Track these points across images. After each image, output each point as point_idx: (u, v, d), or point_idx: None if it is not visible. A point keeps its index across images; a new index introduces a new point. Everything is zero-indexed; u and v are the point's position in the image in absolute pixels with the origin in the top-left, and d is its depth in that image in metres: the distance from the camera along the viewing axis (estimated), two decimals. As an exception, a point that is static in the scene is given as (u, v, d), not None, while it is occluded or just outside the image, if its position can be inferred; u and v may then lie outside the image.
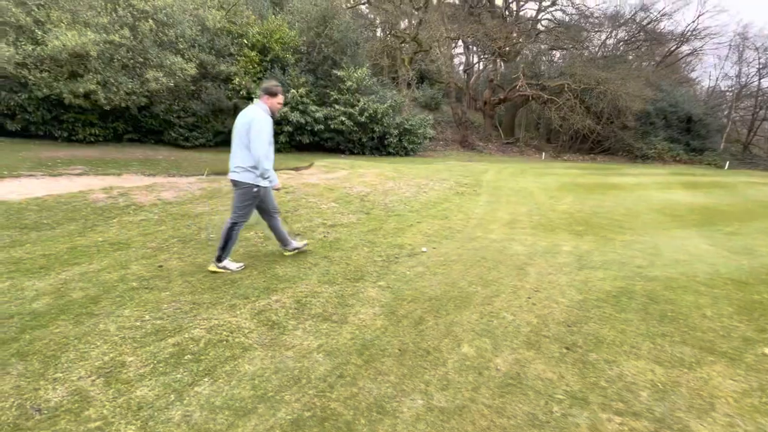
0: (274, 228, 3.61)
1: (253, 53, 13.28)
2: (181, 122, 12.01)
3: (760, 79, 24.97)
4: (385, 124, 16.24)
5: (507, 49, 25.41)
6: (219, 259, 3.28)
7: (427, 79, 27.14)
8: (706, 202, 8.21)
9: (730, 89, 28.05)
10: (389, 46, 23.01)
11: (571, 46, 25.37)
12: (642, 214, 6.76)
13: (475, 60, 29.19)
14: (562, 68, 23.37)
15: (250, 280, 3.21)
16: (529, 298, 3.10)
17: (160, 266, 3.41)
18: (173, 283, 3.09)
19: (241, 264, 3.43)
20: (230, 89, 12.84)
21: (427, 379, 2.07)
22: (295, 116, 13.24)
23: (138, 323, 2.48)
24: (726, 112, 26.76)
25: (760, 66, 24.84)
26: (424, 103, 25.92)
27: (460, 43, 26.49)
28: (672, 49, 28.51)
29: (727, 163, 20.42)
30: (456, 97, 24.53)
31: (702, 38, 27.30)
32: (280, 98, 3.22)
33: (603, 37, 26.64)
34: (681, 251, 4.57)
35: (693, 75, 32.44)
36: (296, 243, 3.85)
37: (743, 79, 26.84)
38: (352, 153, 15.91)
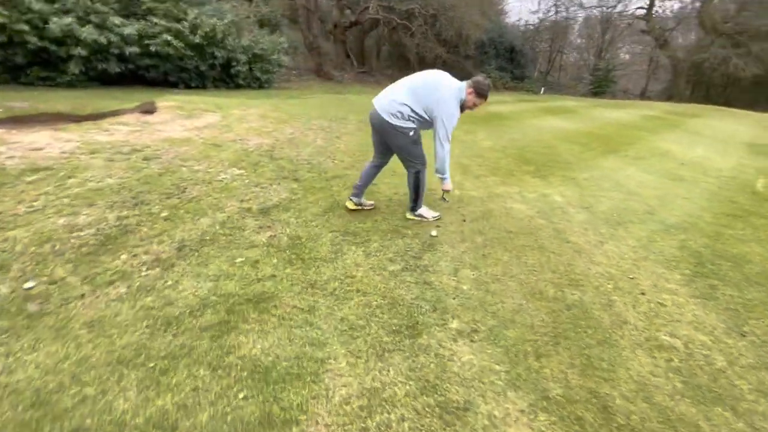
0: (368, 175, 3.16)
1: None
2: None
3: (555, 14, 29.66)
4: (229, 48, 12.75)
5: (351, -38, 22.85)
6: (413, 209, 3.08)
7: (263, -8, 22.47)
8: (583, 128, 9.03)
9: (534, 24, 32.68)
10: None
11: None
12: (557, 145, 6.81)
13: (317, -28, 25.47)
14: (412, -10, 22.41)
15: (202, 414, 1.37)
16: (643, 293, 2.25)
17: None
18: None
19: (438, 214, 3.14)
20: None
21: None
22: (87, 32, 8.57)
23: None
24: (533, 45, 31.30)
25: (557, 2, 29.34)
26: (261, 22, 21.63)
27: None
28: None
29: (543, 89, 24.27)
30: (304, 18, 21.25)
31: (515, -28, 30.15)
32: (483, 103, 2.71)
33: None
34: (643, 186, 4.52)
35: (503, 8, 36.44)
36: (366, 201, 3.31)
37: (542, 14, 31.51)
38: (188, 86, 12.12)
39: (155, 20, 10.48)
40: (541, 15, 32.10)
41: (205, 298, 1.95)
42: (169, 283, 2.07)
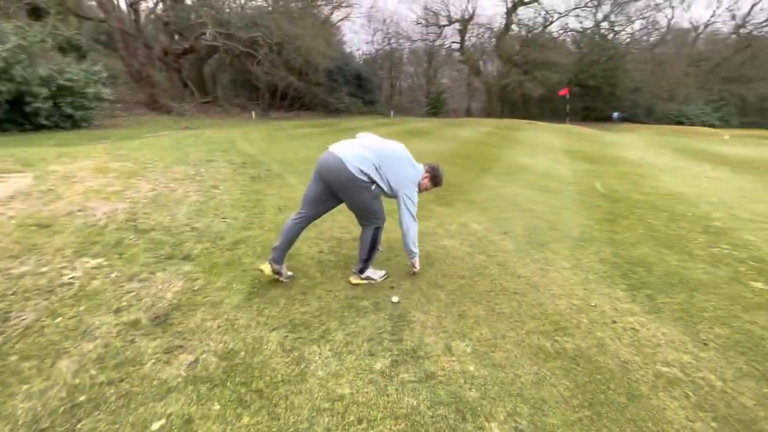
0: (292, 231, 2.63)
1: None
2: None
3: (389, 44, 32.94)
4: (19, 79, 9.99)
5: (177, -18, 20.76)
6: (361, 271, 2.69)
7: (56, 11, 18.20)
8: (447, 148, 9.92)
9: (371, 53, 35.63)
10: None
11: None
12: (458, 165, 7.19)
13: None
14: (253, 18, 21.65)
15: None
16: (614, 321, 2.32)
17: None
18: None
19: (384, 272, 2.80)
20: None
21: None
22: None
23: None
24: (374, 72, 33.98)
25: (388, 35, 32.63)
26: (62, 48, 17.45)
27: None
28: (329, 13, 32.33)
29: (392, 112, 26.40)
30: (124, 43, 18.09)
31: (348, 6, 32.38)
32: (431, 189, 2.84)
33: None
34: (530, 201, 5.07)
35: (341, 38, 38.73)
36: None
37: (377, 45, 34.68)
38: (-43, 132, 8.90)
39: None
40: (376, 45, 35.23)
41: None
42: None
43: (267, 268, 2.60)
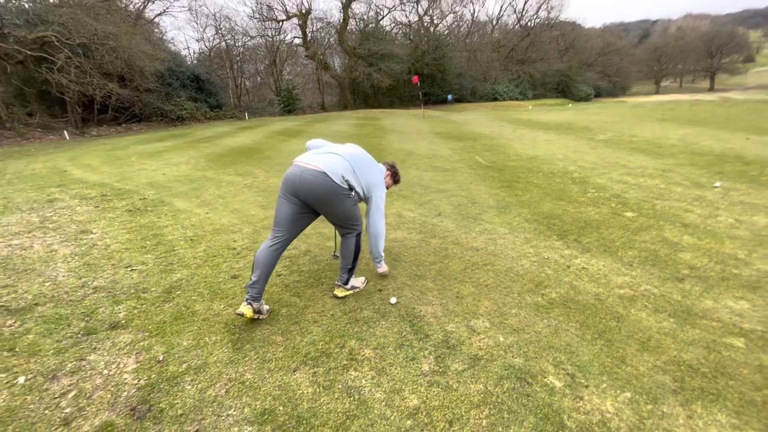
0: (270, 259, 2.34)
1: None
2: None
3: (224, 41, 30.36)
4: None
5: None
6: (346, 282, 2.58)
7: None
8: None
9: (204, 51, 32.26)
10: None
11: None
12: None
13: None
14: (36, 13, 17.00)
15: None
16: (569, 266, 2.81)
17: None
18: None
19: (364, 278, 2.77)
20: None
21: None
22: None
23: None
24: (213, 72, 30.91)
25: (220, 30, 29.96)
26: None
27: None
28: (141, 7, 27.71)
29: (246, 114, 24.56)
30: None
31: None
32: (392, 186, 2.82)
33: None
34: (438, 182, 5.53)
35: (164, 36, 33.83)
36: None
37: (208, 43, 31.56)
38: None
39: None
40: (208, 43, 32.00)
41: None
42: None
43: (248, 310, 2.24)
